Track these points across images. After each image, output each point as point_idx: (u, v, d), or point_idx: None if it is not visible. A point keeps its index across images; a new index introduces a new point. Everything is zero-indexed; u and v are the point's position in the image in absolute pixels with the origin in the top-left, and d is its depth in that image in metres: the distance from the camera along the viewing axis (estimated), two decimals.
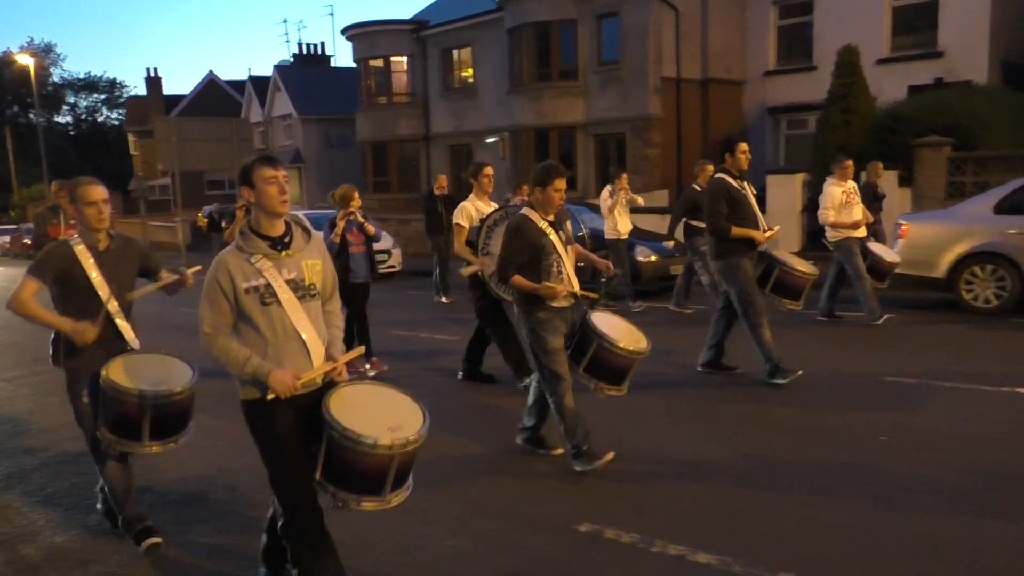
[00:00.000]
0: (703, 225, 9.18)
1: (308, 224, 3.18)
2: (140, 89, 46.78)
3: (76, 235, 3.79)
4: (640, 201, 10.86)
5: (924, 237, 8.93)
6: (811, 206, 14.00)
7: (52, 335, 3.84)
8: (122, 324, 3.82)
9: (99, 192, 3.74)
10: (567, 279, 4.60)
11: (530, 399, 5.02)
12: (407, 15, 27.99)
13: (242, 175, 3.00)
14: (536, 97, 21.04)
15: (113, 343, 3.80)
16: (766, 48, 20.90)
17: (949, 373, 6.42)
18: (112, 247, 3.83)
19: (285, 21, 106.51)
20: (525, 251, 4.48)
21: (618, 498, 4.32)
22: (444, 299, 12.11)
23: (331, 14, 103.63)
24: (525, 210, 4.62)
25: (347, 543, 3.39)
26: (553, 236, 4.55)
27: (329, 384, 3.09)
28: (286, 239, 3.05)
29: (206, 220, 30.45)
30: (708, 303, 9.23)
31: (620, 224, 10.41)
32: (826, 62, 17.50)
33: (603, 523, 3.95)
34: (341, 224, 7.03)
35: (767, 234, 6.31)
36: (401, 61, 25.36)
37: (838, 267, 8.69)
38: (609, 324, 4.66)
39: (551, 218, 4.58)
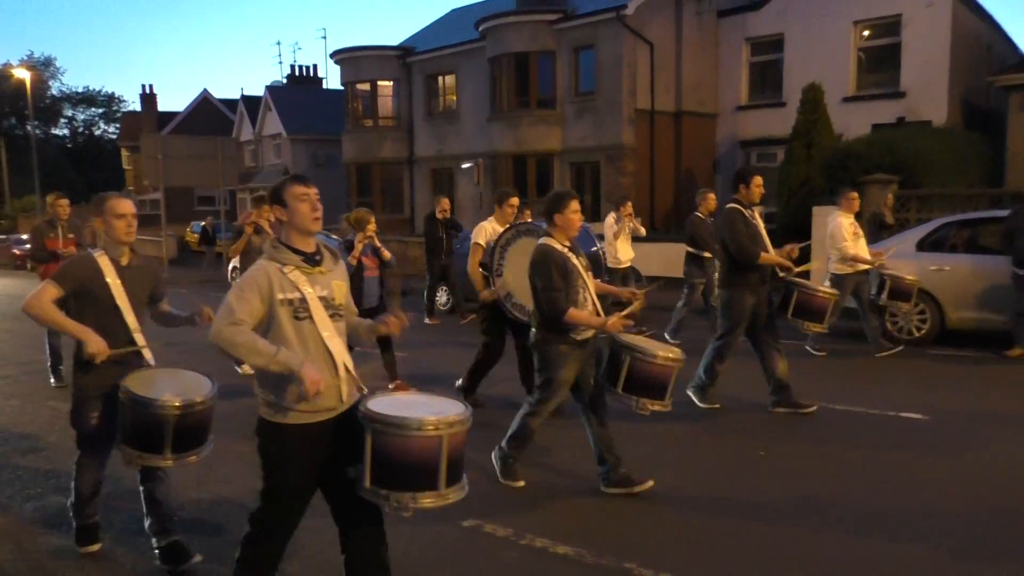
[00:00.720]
0: (706, 255, 9.40)
1: (330, 245, 3.19)
2: (137, 105, 47.29)
3: (100, 248, 3.81)
4: (643, 231, 10.89)
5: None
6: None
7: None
8: (139, 340, 3.82)
9: (128, 206, 3.79)
10: (592, 306, 4.60)
11: (592, 442, 4.79)
12: (396, 40, 28.58)
13: (274, 194, 3.02)
14: (515, 124, 21.62)
15: (130, 358, 3.80)
16: (738, 83, 21.55)
17: (847, 398, 6.86)
18: (134, 263, 3.85)
19: (279, 43, 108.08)
20: (560, 276, 4.44)
21: (503, 498, 4.72)
22: (428, 320, 12.10)
23: (324, 37, 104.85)
24: (544, 239, 4.61)
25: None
26: (576, 261, 4.57)
27: (352, 406, 3.05)
28: (317, 257, 3.05)
29: (196, 235, 31.02)
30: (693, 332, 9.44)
31: (621, 252, 10.40)
32: (795, 98, 18.07)
33: (483, 519, 4.36)
34: (359, 247, 7.00)
35: (794, 254, 6.37)
36: (387, 85, 25.96)
37: (858, 299, 8.62)
38: (638, 340, 4.68)
39: (568, 244, 4.59)
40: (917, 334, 9.01)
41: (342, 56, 26.23)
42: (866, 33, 19.44)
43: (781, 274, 6.62)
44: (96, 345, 3.60)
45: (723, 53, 21.64)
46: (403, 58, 25.38)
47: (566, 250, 4.54)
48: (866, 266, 8.44)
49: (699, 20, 21.22)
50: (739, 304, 6.32)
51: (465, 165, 22.23)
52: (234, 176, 23.67)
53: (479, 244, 6.60)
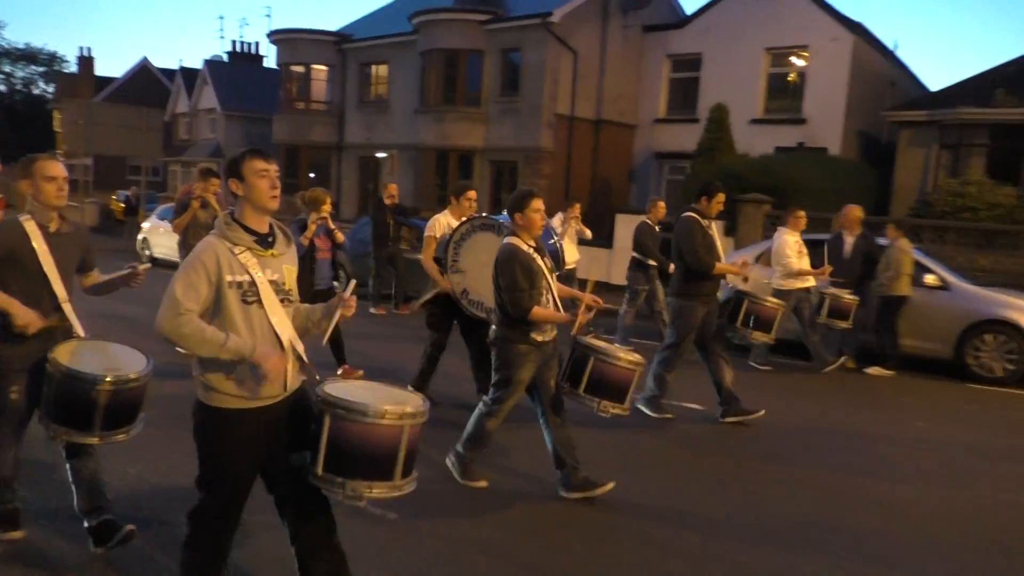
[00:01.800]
0: (650, 262, 9.38)
1: (284, 227, 3.08)
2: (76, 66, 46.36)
3: (27, 212, 3.57)
4: (588, 234, 10.93)
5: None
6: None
7: None
8: (68, 310, 3.61)
9: (59, 168, 3.58)
10: (555, 307, 4.58)
11: (549, 446, 4.79)
12: (339, 25, 28.78)
13: (230, 166, 2.88)
14: (440, 119, 22.12)
15: (57, 330, 3.59)
16: (658, 97, 22.42)
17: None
18: (63, 230, 3.64)
19: (222, 17, 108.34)
20: (524, 276, 4.41)
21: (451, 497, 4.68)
22: (373, 309, 11.92)
23: (268, 15, 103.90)
24: (510, 238, 4.57)
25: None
26: (541, 262, 4.54)
27: (297, 392, 2.99)
28: (270, 238, 2.92)
29: (122, 205, 30.76)
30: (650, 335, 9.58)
31: (567, 253, 10.06)
32: (707, 116, 19.02)
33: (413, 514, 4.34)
34: (312, 228, 6.80)
35: (742, 266, 6.52)
36: (322, 70, 26.19)
37: (798, 315, 8.67)
38: (601, 343, 4.70)
39: (533, 243, 4.57)
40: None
41: (279, 37, 26.37)
42: (775, 60, 20.47)
43: (731, 283, 6.72)
44: (24, 317, 3.41)
45: (646, 67, 22.49)
46: (339, 44, 25.64)
47: (532, 251, 4.51)
48: (810, 282, 8.65)
49: (625, 33, 22.02)
50: (690, 314, 6.36)
51: (380, 155, 22.69)
52: (158, 148, 23.71)
53: (433, 237, 6.39)
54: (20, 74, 65.32)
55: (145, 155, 22.79)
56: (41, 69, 65.42)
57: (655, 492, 5.01)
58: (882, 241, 9.06)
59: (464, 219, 6.27)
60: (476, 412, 4.80)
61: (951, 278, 9.00)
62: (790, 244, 8.59)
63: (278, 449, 2.92)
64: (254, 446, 2.86)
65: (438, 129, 22.18)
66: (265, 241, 2.89)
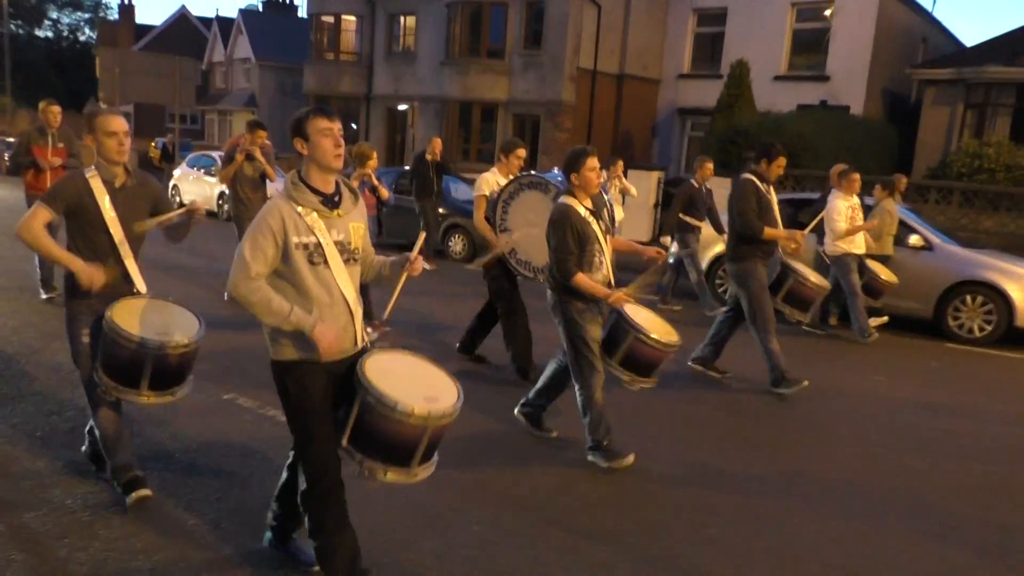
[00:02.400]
0: (697, 222, 9.30)
1: (353, 185, 3.07)
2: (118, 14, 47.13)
3: (93, 167, 3.58)
4: (633, 191, 10.79)
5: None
6: (666, 200, 15.50)
7: (64, 272, 3.56)
8: (131, 266, 3.62)
9: (120, 123, 3.54)
10: (607, 271, 4.52)
11: (543, 380, 4.92)
12: None
13: (295, 126, 2.87)
14: (464, 72, 22.30)
15: (120, 285, 3.61)
16: (682, 52, 22.31)
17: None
18: (128, 184, 3.62)
19: None
20: (574, 240, 4.34)
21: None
22: (427, 265, 12.24)
23: None
24: (565, 197, 4.46)
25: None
26: (595, 225, 4.45)
27: (362, 351, 3.00)
28: (336, 198, 2.92)
29: (159, 151, 31.59)
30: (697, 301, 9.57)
31: (614, 213, 9.98)
32: (728, 72, 18.94)
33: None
34: (355, 183, 6.77)
35: (799, 236, 6.24)
36: (351, 20, 26.40)
37: (834, 281, 8.37)
38: (641, 316, 4.56)
39: (589, 204, 4.47)
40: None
41: None
42: (800, 16, 20.21)
43: (783, 256, 6.51)
44: (88, 277, 3.44)
45: (671, 21, 22.35)
46: None
47: (587, 213, 4.42)
48: (860, 248, 8.42)
49: None
50: (752, 273, 6.19)
51: (401, 107, 23.03)
52: (191, 97, 24.16)
53: (483, 195, 6.21)
54: (66, 20, 66.54)
55: (179, 104, 23.31)
56: (87, 16, 66.55)
57: (695, 456, 4.97)
58: (868, 201, 9.21)
59: (511, 177, 6.12)
60: (578, 400, 4.63)
61: (935, 239, 9.13)
62: (840, 209, 8.31)
63: (335, 400, 2.98)
64: (322, 394, 2.89)
65: (462, 81, 22.37)
66: (331, 201, 2.90)
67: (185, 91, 23.86)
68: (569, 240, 4.33)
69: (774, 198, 6.26)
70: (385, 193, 7.11)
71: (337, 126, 2.88)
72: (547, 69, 21.20)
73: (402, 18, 25.53)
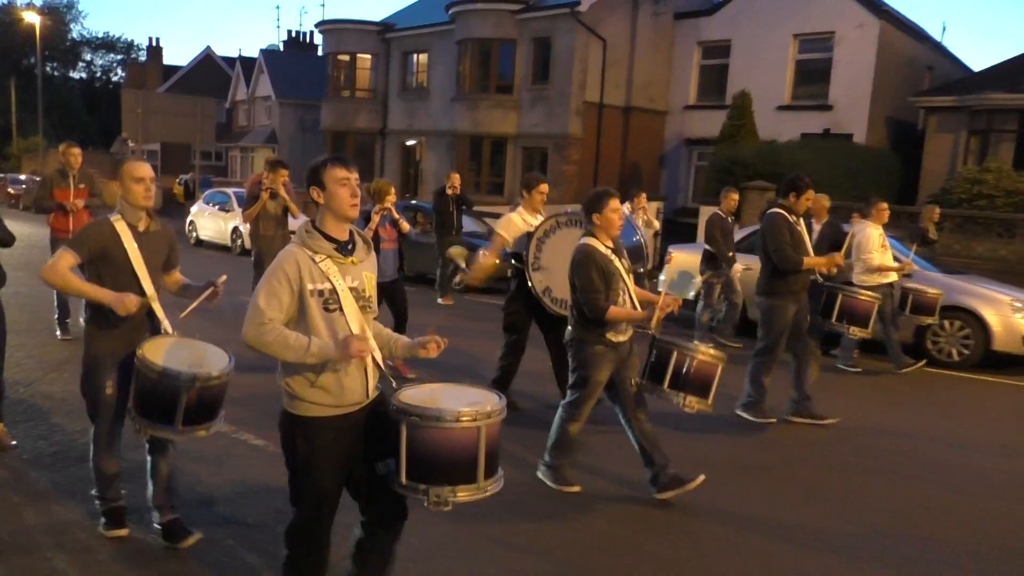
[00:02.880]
0: (729, 253, 9.26)
1: (364, 235, 3.09)
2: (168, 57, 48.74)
3: (118, 212, 3.67)
4: (656, 224, 10.48)
5: (683, 264, 10.60)
6: (667, 229, 15.76)
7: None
8: (157, 308, 3.70)
9: (147, 169, 3.66)
10: (631, 308, 4.53)
11: (635, 444, 4.75)
12: (388, 14, 29.65)
13: (312, 174, 2.87)
14: (474, 106, 22.83)
15: (145, 328, 3.70)
16: (688, 83, 22.65)
17: None
18: (151, 229, 3.72)
19: (278, 7, 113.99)
20: (600, 278, 4.37)
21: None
22: (441, 300, 11.76)
23: (323, 4, 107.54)
24: (586, 239, 4.50)
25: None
26: (618, 263, 4.49)
27: (379, 399, 3.01)
28: (349, 246, 2.92)
29: (181, 188, 32.50)
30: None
31: (646, 247, 9.69)
32: (730, 103, 19.25)
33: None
34: (376, 219, 6.73)
35: (838, 259, 6.25)
36: (366, 59, 27.16)
37: (880, 312, 8.01)
38: (678, 339, 4.62)
39: (611, 244, 4.52)
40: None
41: (326, 27, 27.44)
42: (802, 47, 20.50)
43: (821, 279, 6.47)
44: (121, 302, 3.48)
45: (676, 54, 22.73)
46: (383, 33, 26.55)
47: (609, 252, 4.47)
48: (892, 278, 8.33)
49: (655, 21, 22.29)
50: (781, 313, 6.18)
51: (410, 142, 23.61)
52: (211, 135, 24.98)
53: (502, 236, 6.18)
54: (99, 62, 68.70)
55: (199, 141, 24.11)
56: (119, 57, 68.67)
57: (736, 497, 4.89)
58: (845, 227, 9.39)
59: (549, 216, 6.15)
60: (556, 418, 4.76)
61: (915, 266, 9.28)
62: (873, 238, 8.19)
63: (358, 456, 2.94)
64: (337, 454, 2.88)
65: (472, 116, 22.89)
66: (345, 248, 2.89)
67: (206, 129, 24.70)
68: (595, 278, 4.37)
69: (804, 231, 6.28)
70: (406, 227, 7.22)
71: (354, 176, 2.87)
72: (554, 103, 21.65)
73: (415, 56, 26.24)
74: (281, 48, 38.02)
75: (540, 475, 4.81)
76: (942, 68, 22.63)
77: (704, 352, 4.49)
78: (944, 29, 58.42)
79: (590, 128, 21.64)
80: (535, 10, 21.74)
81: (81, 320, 3.88)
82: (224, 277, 3.82)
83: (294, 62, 34.59)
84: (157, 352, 3.48)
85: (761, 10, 20.64)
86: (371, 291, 2.99)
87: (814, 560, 4.14)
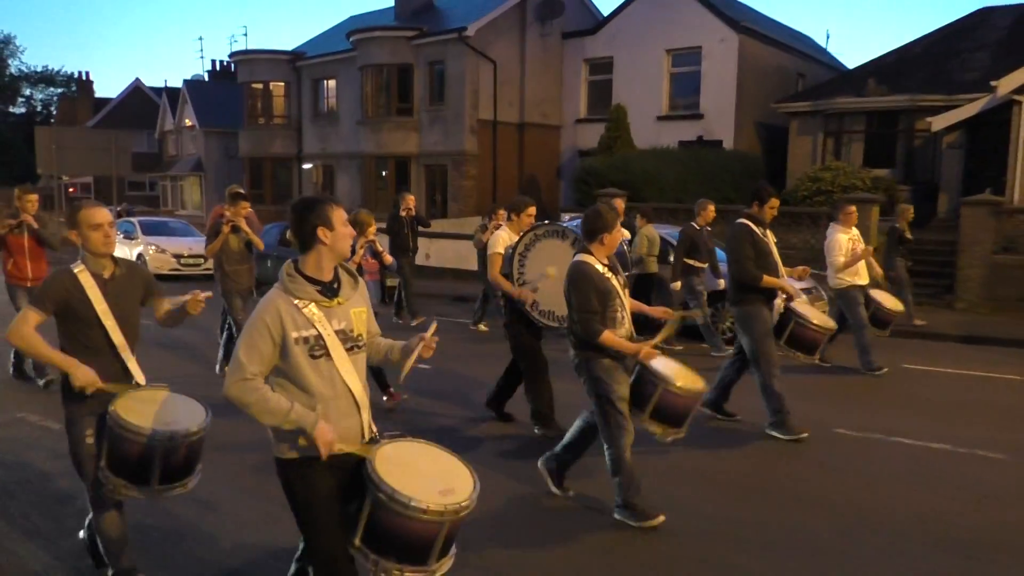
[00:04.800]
0: (701, 264, 9.43)
1: (351, 268, 2.99)
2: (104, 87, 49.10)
3: (80, 261, 3.48)
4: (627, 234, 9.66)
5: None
6: None
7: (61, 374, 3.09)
8: (128, 358, 3.53)
9: (104, 214, 3.46)
10: (629, 325, 4.49)
11: (571, 435, 4.83)
12: (301, 41, 30.65)
13: (320, 214, 2.77)
14: (378, 129, 23.94)
15: (119, 379, 3.51)
16: (578, 98, 24.00)
17: None
18: (117, 275, 3.52)
19: (201, 38, 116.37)
20: (596, 298, 4.31)
21: None
22: (413, 321, 11.64)
23: (245, 34, 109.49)
24: (581, 256, 4.43)
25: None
26: (614, 280, 4.43)
27: (371, 441, 2.91)
28: (334, 285, 2.85)
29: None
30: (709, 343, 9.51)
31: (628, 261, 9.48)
32: (607, 116, 20.61)
33: None
34: (361, 251, 6.81)
35: (800, 274, 6.32)
36: (280, 86, 28.17)
37: (838, 314, 8.41)
38: (664, 366, 4.54)
39: (606, 261, 4.46)
40: None
41: (239, 57, 28.45)
42: (675, 61, 21.96)
43: (781, 301, 6.41)
44: (84, 378, 3.34)
45: (566, 71, 24.09)
46: (293, 62, 27.59)
47: (605, 269, 4.41)
48: (863, 280, 8.37)
49: (543, 41, 23.62)
50: (756, 317, 6.09)
51: (306, 166, 24.76)
52: (127, 167, 25.75)
53: (498, 253, 6.25)
54: (39, 96, 68.62)
55: (114, 174, 24.88)
56: (59, 91, 68.69)
57: (712, 511, 4.81)
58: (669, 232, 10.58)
59: (527, 230, 6.18)
60: (607, 459, 4.52)
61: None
62: (841, 242, 8.21)
63: (347, 494, 2.86)
64: (328, 490, 2.79)
65: (376, 138, 24.00)
66: (330, 289, 2.82)
67: (121, 162, 25.48)
68: (591, 298, 4.30)
69: (771, 240, 6.22)
70: (389, 259, 7.34)
71: (347, 217, 2.89)
72: (450, 123, 22.84)
73: (324, 82, 27.29)
74: (206, 78, 38.79)
75: (619, 517, 4.55)
76: (816, 74, 24.22)
77: (683, 390, 4.42)
78: (828, 37, 61.66)
79: (485, 145, 22.85)
80: (428, 36, 22.94)
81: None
82: (208, 293, 3.66)
83: (217, 92, 35.40)
84: (130, 409, 3.32)
85: (637, 27, 22.07)
86: (360, 328, 2.89)
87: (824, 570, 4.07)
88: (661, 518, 4.47)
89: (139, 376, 3.57)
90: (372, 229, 6.99)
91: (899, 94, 18.49)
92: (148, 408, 3.36)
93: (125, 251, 19.65)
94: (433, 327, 3.03)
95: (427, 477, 2.77)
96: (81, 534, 3.99)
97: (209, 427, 3.44)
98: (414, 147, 23.75)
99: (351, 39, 24.19)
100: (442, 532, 2.71)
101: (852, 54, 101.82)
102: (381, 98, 23.94)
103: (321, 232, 2.76)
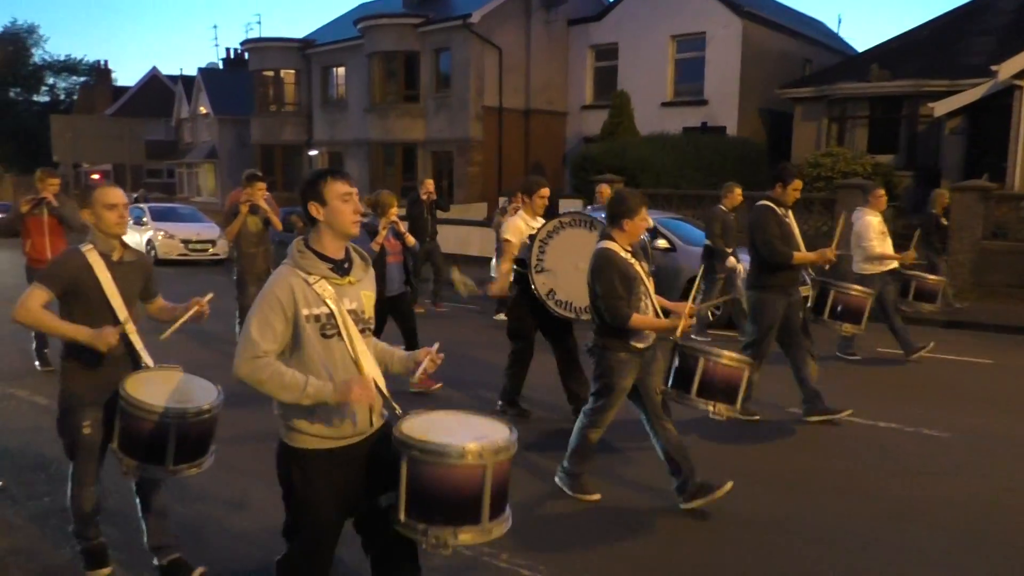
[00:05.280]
0: (727, 249, 9.11)
1: (362, 250, 2.91)
2: (128, 76, 49.76)
3: (89, 241, 3.44)
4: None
5: None
6: None
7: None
8: (136, 340, 3.48)
9: (119, 195, 3.44)
10: (653, 312, 4.43)
11: (660, 453, 4.64)
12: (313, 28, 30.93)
13: (310, 188, 2.69)
14: (385, 116, 24.17)
15: (125, 362, 3.46)
16: (584, 85, 24.07)
17: None
18: (126, 258, 3.51)
19: (215, 27, 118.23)
20: (622, 284, 4.26)
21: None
22: (420, 308, 11.17)
23: (259, 22, 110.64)
24: (605, 242, 4.39)
25: None
26: (639, 267, 4.39)
27: (383, 428, 2.80)
28: (346, 264, 2.75)
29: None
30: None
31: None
32: (611, 102, 20.68)
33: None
34: (383, 232, 6.67)
35: (829, 254, 5.94)
36: (290, 74, 28.47)
37: (882, 301, 8.10)
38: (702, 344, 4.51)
39: (629, 248, 4.41)
40: None
41: (250, 45, 28.76)
42: (680, 47, 21.97)
43: (812, 275, 6.31)
44: (103, 338, 3.25)
45: (571, 58, 24.16)
46: (304, 50, 27.86)
47: (629, 256, 4.37)
48: (892, 265, 8.15)
49: (548, 28, 23.70)
50: (770, 307, 5.99)
51: (312, 152, 25.07)
52: (141, 154, 26.26)
53: (510, 241, 6.07)
54: (62, 84, 69.49)
55: (129, 161, 25.41)
56: (82, 79, 69.49)
57: (757, 500, 4.75)
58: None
59: (553, 218, 6.07)
60: (577, 424, 4.66)
61: (678, 241, 10.68)
62: (873, 226, 8.02)
63: (361, 489, 2.77)
64: (337, 487, 2.71)
65: (383, 125, 24.24)
66: (341, 268, 2.73)
67: (134, 149, 26.01)
68: (616, 284, 4.26)
69: (794, 222, 6.09)
70: (411, 240, 7.16)
71: (355, 191, 2.74)
72: (456, 110, 23.02)
73: (335, 70, 27.55)
74: (221, 66, 39.21)
75: (558, 482, 4.74)
76: (824, 60, 24.08)
77: (729, 358, 4.33)
78: (840, 21, 61.17)
79: (491, 131, 23.00)
80: (433, 23, 23.10)
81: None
82: (210, 295, 3.63)
83: (231, 79, 35.74)
84: (140, 387, 3.27)
85: (642, 13, 22.08)
86: (370, 312, 2.82)
87: (849, 558, 4.02)
88: (597, 496, 4.56)
89: (147, 358, 3.52)
90: (394, 210, 6.86)
91: (902, 79, 18.39)
92: (159, 388, 3.32)
93: (135, 236, 20.06)
94: (436, 346, 2.88)
95: (458, 430, 2.64)
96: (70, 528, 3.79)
97: (221, 406, 3.36)
98: (420, 134, 23.96)
99: (358, 26, 24.40)
100: (487, 480, 2.54)
101: (864, 39, 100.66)
102: (388, 85, 24.17)
103: (312, 208, 2.69)
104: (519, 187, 7.02)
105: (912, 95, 18.39)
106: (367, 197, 7.15)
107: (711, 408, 4.34)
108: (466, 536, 2.56)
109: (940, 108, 16.63)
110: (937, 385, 7.59)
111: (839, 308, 6.30)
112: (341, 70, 27.11)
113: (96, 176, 36.73)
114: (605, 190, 9.53)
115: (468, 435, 2.58)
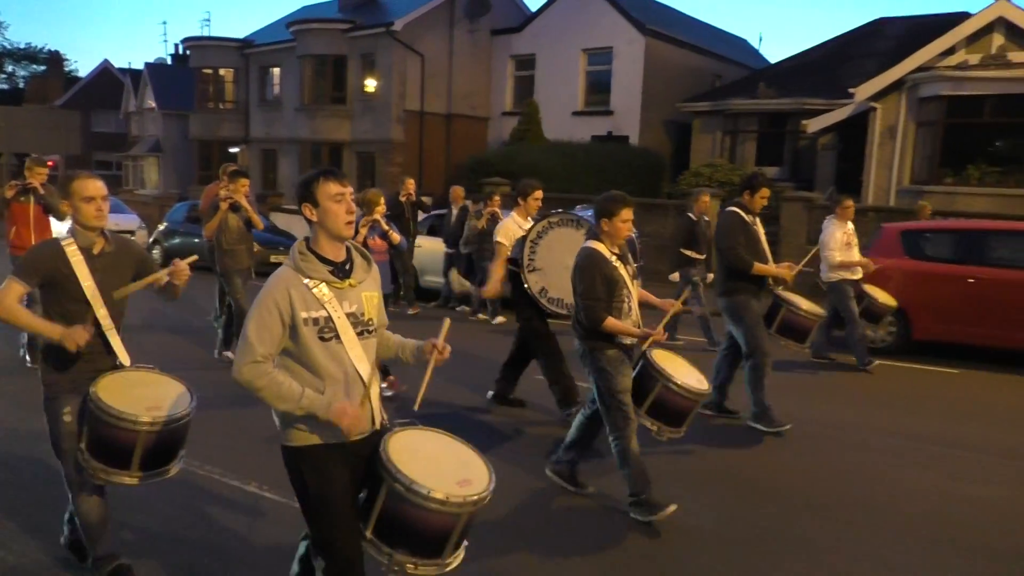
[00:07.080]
0: (698, 256, 9.20)
1: (365, 250, 2.88)
2: (83, 64, 49.99)
3: (68, 234, 3.33)
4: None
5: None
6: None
7: (26, 338, 3.25)
8: (113, 338, 3.38)
9: (98, 187, 3.32)
10: (636, 316, 4.43)
11: (572, 433, 4.73)
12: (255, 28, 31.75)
13: (303, 190, 2.68)
14: (314, 116, 25.12)
15: (102, 359, 3.38)
16: (505, 92, 25.21)
17: None
18: (107, 251, 3.38)
19: (164, 23, 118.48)
20: (603, 285, 4.25)
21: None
22: (410, 309, 11.36)
23: (208, 20, 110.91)
24: (591, 243, 4.37)
25: None
26: (623, 270, 4.36)
27: (382, 430, 2.80)
28: (346, 266, 2.74)
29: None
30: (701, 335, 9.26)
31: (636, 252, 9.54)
32: (521, 110, 21.82)
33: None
34: (364, 231, 6.57)
35: (794, 270, 6.08)
36: (229, 72, 29.28)
37: (832, 309, 8.34)
38: (669, 363, 4.45)
39: (617, 251, 4.38)
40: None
41: (191, 44, 29.54)
42: (590, 60, 23.20)
43: (774, 287, 6.40)
44: (71, 339, 3.14)
45: (494, 66, 25.30)
46: (242, 50, 28.70)
47: (614, 258, 4.34)
48: (858, 275, 8.30)
49: (472, 37, 24.81)
50: (744, 308, 6.01)
51: (233, 149, 26.04)
52: (77, 145, 26.89)
53: (503, 244, 6.19)
54: (22, 73, 69.28)
55: (64, 151, 26.08)
56: (42, 68, 69.32)
57: (730, 511, 4.75)
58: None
59: (542, 217, 6.16)
60: (612, 447, 4.45)
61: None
62: (836, 236, 8.20)
63: (359, 483, 2.78)
64: (344, 482, 2.71)
65: (312, 125, 25.18)
66: (342, 270, 2.72)
67: (71, 140, 26.63)
68: (598, 285, 4.25)
69: (761, 229, 6.14)
70: (396, 238, 6.98)
71: (349, 191, 2.71)
72: (379, 112, 24.03)
73: (272, 70, 28.42)
74: (169, 61, 39.83)
75: (634, 516, 4.44)
76: (734, 76, 25.38)
77: (684, 389, 4.34)
78: (761, 39, 65.35)
79: (412, 134, 24.04)
80: (360, 28, 24.10)
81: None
82: (194, 257, 3.59)
83: (176, 75, 36.37)
84: (111, 391, 3.19)
85: (557, 27, 23.28)
86: (371, 313, 2.79)
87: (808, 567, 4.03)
88: (673, 507, 4.32)
89: (123, 356, 3.44)
90: (380, 209, 6.79)
91: (787, 97, 19.73)
92: (131, 391, 3.25)
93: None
94: (446, 325, 2.86)
95: (443, 467, 2.68)
96: (61, 540, 3.78)
97: (193, 412, 3.30)
98: (347, 134, 24.94)
99: (291, 30, 25.30)
100: (459, 525, 2.63)
101: (785, 56, 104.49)
102: (317, 87, 25.12)
103: (306, 210, 2.69)
104: (495, 191, 7.55)
105: (795, 112, 19.73)
106: (355, 196, 7.49)
107: (654, 429, 4.42)
108: (425, 569, 2.64)
109: (813, 125, 17.98)
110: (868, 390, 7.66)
111: (785, 325, 6.42)
112: (277, 71, 27.99)
113: (50, 164, 37.18)
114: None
115: (452, 475, 2.64)
